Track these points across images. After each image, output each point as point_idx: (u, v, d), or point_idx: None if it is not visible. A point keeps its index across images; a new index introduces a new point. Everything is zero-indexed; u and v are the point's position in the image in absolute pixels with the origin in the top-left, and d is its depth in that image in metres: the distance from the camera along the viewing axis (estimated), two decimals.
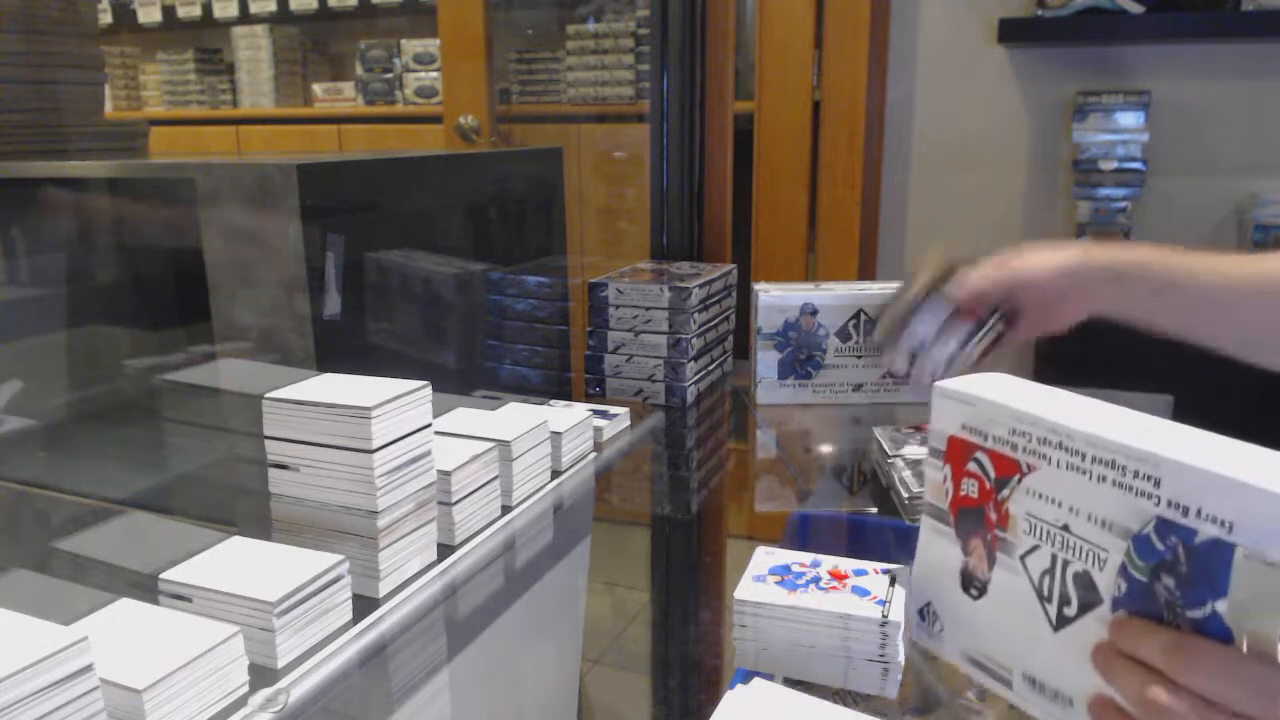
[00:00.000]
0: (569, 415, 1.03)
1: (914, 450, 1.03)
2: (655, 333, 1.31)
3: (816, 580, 0.68)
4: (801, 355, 1.32)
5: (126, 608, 0.63)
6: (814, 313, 1.31)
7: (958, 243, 2.28)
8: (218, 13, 3.35)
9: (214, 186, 1.05)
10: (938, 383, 0.59)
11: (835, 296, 1.31)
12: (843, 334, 1.31)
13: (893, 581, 0.68)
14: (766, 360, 1.33)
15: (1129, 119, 2.02)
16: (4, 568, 0.93)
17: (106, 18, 3.51)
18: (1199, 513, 0.43)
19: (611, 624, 0.99)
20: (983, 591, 0.56)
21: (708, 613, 0.90)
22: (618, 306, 1.33)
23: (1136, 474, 0.46)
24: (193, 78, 3.43)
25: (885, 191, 2.36)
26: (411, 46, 3.09)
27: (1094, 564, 0.48)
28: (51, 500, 1.05)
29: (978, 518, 0.56)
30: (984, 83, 2.22)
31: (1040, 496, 0.52)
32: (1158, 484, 0.45)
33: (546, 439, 0.96)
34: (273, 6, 3.25)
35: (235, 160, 1.14)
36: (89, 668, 0.52)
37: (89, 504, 1.03)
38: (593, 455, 1.06)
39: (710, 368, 1.41)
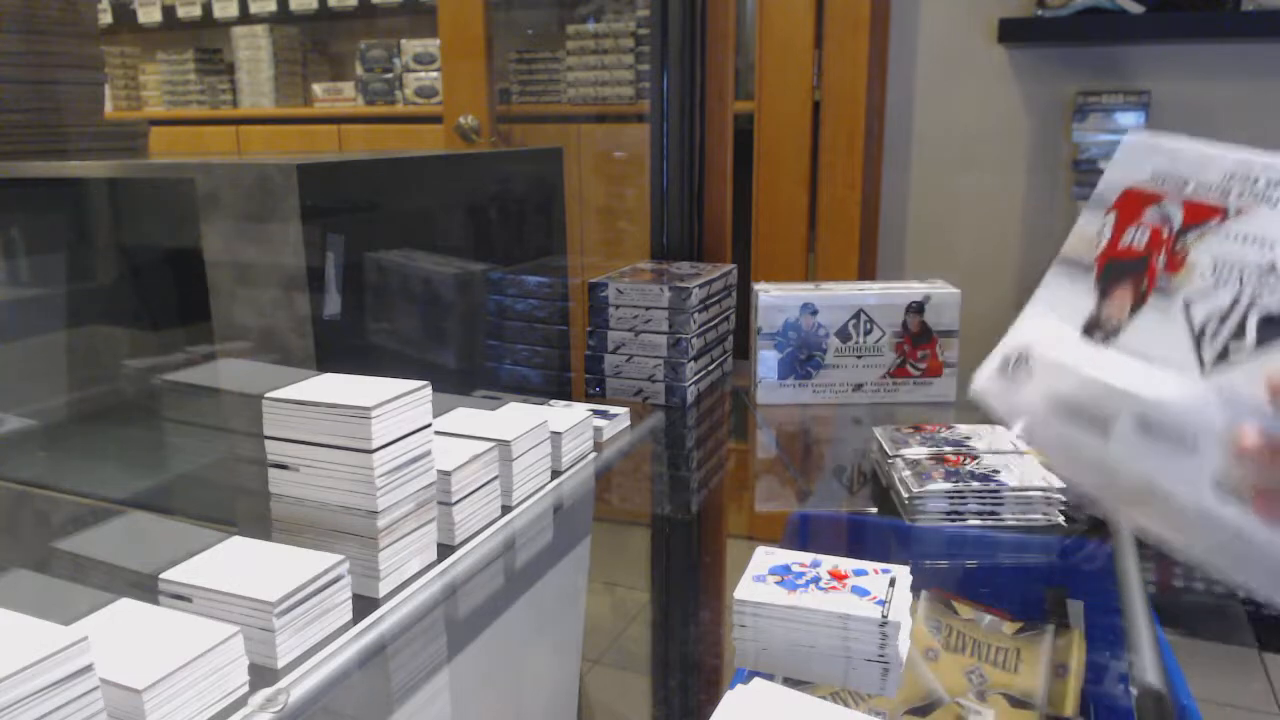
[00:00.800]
0: (569, 415, 1.03)
1: (914, 450, 1.03)
2: (655, 333, 1.31)
3: (816, 580, 0.68)
4: (801, 355, 1.32)
5: (126, 608, 0.63)
6: (814, 313, 1.31)
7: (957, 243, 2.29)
8: (218, 13, 3.35)
9: (214, 186, 1.05)
10: (1129, 136, 0.56)
11: (835, 296, 1.31)
12: (843, 334, 1.31)
13: (892, 582, 0.68)
14: (766, 360, 1.33)
15: (1129, 119, 2.02)
16: (4, 568, 0.93)
17: (106, 18, 3.51)
18: None
19: (611, 624, 0.99)
20: (1111, 336, 0.52)
21: (708, 613, 0.90)
22: (618, 306, 1.33)
23: None
24: (193, 78, 3.43)
25: (885, 191, 2.36)
26: (411, 46, 3.09)
27: None
28: (51, 500, 1.05)
29: (1135, 266, 0.53)
30: (984, 83, 2.22)
31: (1245, 239, 0.48)
32: None
33: (546, 439, 0.96)
34: (273, 6, 3.25)
35: (235, 160, 1.14)
36: (89, 668, 0.52)
37: (89, 504, 1.03)
38: (593, 455, 1.06)
39: (710, 368, 1.41)
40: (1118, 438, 0.49)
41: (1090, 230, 0.55)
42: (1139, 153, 0.55)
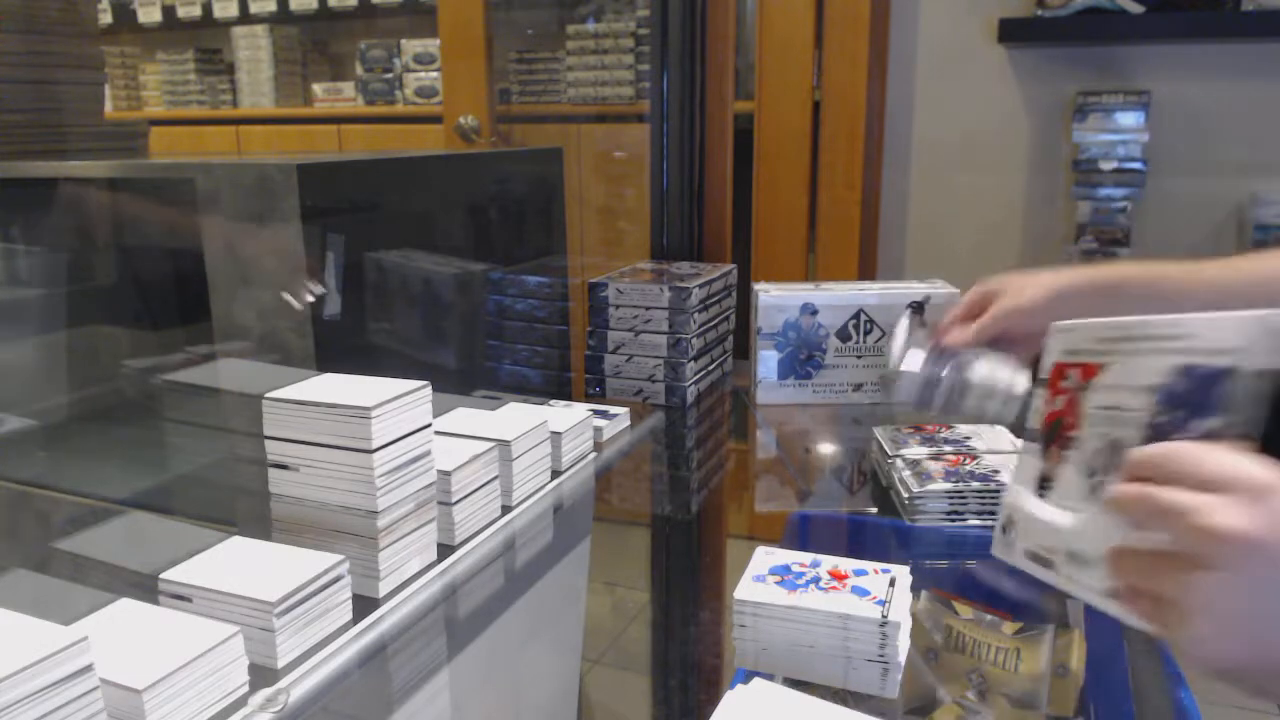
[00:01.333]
0: (569, 415, 1.03)
1: (914, 450, 1.03)
2: (655, 333, 1.31)
3: (816, 580, 0.68)
4: (801, 355, 1.32)
5: (126, 608, 0.63)
6: (814, 313, 1.31)
7: (957, 244, 2.29)
8: (218, 13, 3.35)
9: (214, 186, 1.05)
10: (1055, 323, 0.69)
11: (835, 296, 1.31)
12: (843, 334, 1.31)
13: (892, 582, 0.68)
14: (766, 360, 1.33)
15: (1129, 119, 2.02)
16: (4, 568, 0.93)
17: (106, 18, 3.50)
18: (1211, 350, 0.53)
19: (611, 624, 0.99)
20: (1048, 489, 0.65)
21: (708, 613, 0.90)
22: (618, 306, 1.33)
23: (1170, 337, 0.56)
24: (193, 78, 3.43)
25: (885, 191, 2.36)
26: (411, 46, 3.09)
27: (1132, 428, 0.57)
28: (51, 500, 1.05)
29: (1058, 427, 0.65)
30: (984, 83, 2.22)
31: (1108, 387, 0.61)
32: (1184, 339, 0.55)
33: (546, 439, 0.96)
34: (273, 6, 3.25)
35: (235, 160, 1.14)
36: (89, 668, 0.52)
37: (89, 504, 1.03)
38: (593, 455, 1.06)
39: (710, 368, 1.41)
40: (1059, 570, 0.63)
41: (1039, 403, 0.69)
42: (1062, 335, 0.68)
